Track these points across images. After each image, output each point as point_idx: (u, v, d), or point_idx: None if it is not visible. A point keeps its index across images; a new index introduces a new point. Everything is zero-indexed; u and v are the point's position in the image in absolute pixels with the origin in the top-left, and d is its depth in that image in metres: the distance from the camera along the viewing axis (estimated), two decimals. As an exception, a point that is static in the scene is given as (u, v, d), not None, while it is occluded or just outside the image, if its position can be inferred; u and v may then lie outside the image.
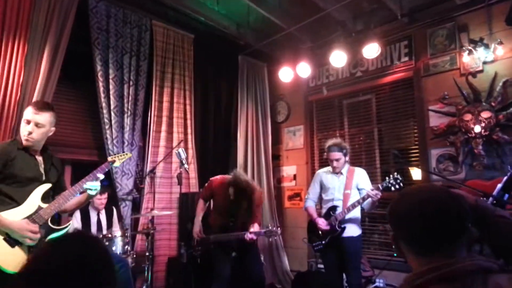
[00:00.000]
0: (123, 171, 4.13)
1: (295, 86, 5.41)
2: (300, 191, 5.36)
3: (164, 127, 4.49)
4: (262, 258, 4.15)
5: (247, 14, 4.70)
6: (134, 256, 3.80)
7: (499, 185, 2.44)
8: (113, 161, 2.70)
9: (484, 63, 3.78)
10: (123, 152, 4.08)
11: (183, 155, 3.59)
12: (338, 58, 4.49)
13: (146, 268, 3.74)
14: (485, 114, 3.66)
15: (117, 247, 3.55)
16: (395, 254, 3.66)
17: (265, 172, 5.34)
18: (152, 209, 3.94)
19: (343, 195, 3.45)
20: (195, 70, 4.90)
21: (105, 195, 4.10)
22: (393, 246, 1.06)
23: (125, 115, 4.18)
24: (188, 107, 4.75)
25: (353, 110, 5.08)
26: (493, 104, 3.66)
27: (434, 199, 0.99)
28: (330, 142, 3.58)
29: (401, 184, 3.12)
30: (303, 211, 5.18)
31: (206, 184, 3.80)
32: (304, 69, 4.86)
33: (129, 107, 4.20)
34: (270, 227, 3.50)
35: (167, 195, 4.40)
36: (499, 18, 3.51)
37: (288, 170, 5.57)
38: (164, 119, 4.51)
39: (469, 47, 3.82)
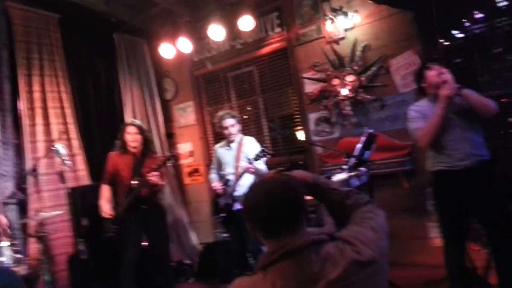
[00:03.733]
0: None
1: (179, 62, 5.32)
2: (198, 166, 5.46)
3: (39, 120, 4.15)
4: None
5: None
6: (29, 262, 3.58)
7: (359, 145, 2.83)
8: None
9: (345, 30, 4.13)
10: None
11: (62, 151, 3.39)
12: (216, 32, 4.54)
13: (43, 272, 3.58)
14: (350, 78, 4.07)
15: (6, 258, 3.28)
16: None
17: (161, 152, 5.30)
18: (39, 211, 3.70)
19: (234, 168, 3.58)
20: (67, 53, 4.53)
21: None
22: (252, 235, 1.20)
23: (-8, 113, 3.78)
24: (64, 95, 4.41)
25: (238, 82, 5.22)
26: (355, 68, 4.06)
27: (273, 191, 1.13)
28: (220, 113, 3.71)
29: (267, 154, 3.38)
30: (204, 186, 5.36)
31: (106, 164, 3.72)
32: (185, 44, 4.81)
33: (-5, 103, 3.79)
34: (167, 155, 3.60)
35: (55, 192, 4.11)
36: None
37: (184, 147, 5.59)
38: (38, 111, 4.16)
39: (331, 16, 4.14)
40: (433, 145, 2.67)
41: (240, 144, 3.64)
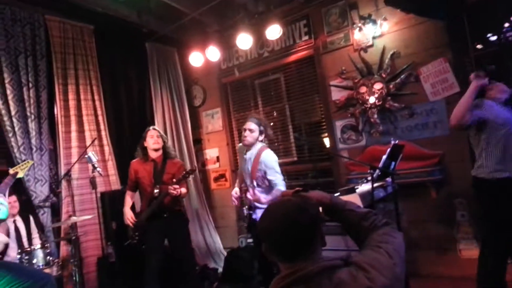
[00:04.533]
0: (35, 178, 3.95)
1: (208, 69, 5.43)
2: (224, 172, 5.53)
3: (73, 127, 4.32)
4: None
5: (147, 0, 4.58)
6: (60, 263, 3.73)
7: (384, 157, 2.77)
8: (16, 173, 2.59)
9: (374, 38, 4.08)
10: (32, 159, 3.94)
11: (94, 159, 3.53)
12: (244, 41, 4.59)
13: (73, 273, 3.71)
14: (377, 86, 4.01)
15: (38, 259, 3.43)
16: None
17: (188, 157, 5.41)
18: (71, 215, 3.85)
19: (251, 181, 3.42)
20: (100, 63, 4.70)
21: (13, 198, 3.67)
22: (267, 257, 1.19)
23: (29, 120, 3.97)
24: (97, 103, 4.58)
25: (264, 89, 5.26)
26: (383, 75, 4.00)
27: (289, 216, 1.13)
28: (251, 114, 3.64)
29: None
30: (230, 191, 5.35)
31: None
32: (214, 53, 4.90)
33: (32, 111, 3.98)
34: (186, 170, 3.57)
35: (87, 196, 4.27)
36: (383, -5, 3.80)
37: (210, 152, 5.69)
38: (73, 118, 4.33)
39: (359, 24, 4.10)
40: (499, 151, 2.63)
41: (258, 155, 3.37)
